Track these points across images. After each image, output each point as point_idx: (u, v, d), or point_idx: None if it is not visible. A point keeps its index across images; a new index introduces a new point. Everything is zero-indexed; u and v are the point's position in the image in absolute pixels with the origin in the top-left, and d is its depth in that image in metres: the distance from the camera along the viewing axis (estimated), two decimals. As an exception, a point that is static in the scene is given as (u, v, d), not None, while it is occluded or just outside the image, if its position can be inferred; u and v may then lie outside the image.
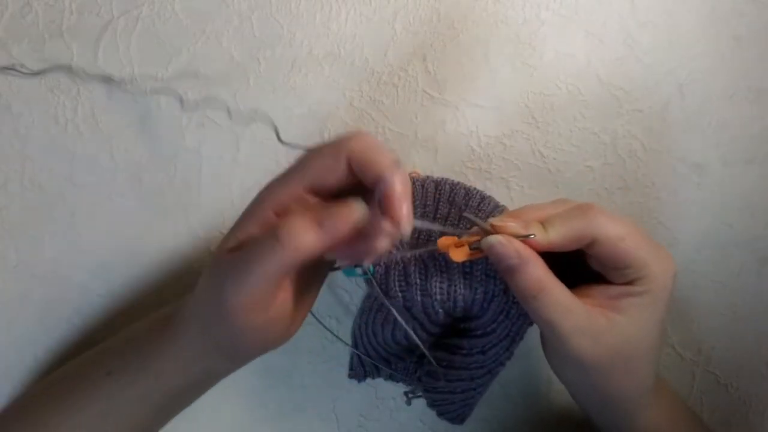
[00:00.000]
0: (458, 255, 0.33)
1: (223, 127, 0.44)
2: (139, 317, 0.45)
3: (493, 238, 0.32)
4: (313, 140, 0.44)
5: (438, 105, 0.45)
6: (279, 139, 0.43)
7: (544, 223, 0.33)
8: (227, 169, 0.44)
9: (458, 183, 0.38)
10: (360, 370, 0.42)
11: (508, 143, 0.45)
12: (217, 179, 0.45)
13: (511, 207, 0.38)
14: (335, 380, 0.47)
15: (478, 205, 0.37)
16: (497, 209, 0.37)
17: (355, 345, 0.41)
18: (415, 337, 0.36)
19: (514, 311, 0.36)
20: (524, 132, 0.45)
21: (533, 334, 0.38)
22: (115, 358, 0.37)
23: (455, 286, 0.35)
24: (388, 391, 0.47)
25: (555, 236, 0.32)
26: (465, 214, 0.36)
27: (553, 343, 0.34)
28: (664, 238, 0.46)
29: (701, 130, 0.46)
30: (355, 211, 0.30)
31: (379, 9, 0.44)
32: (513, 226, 0.32)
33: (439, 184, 0.38)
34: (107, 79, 0.43)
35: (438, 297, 0.36)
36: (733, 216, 0.46)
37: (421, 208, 0.38)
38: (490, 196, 0.38)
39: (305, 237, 0.29)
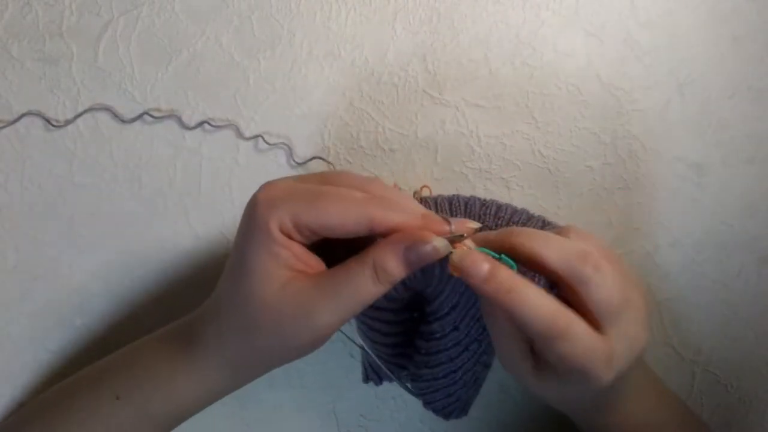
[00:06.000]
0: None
1: (223, 127, 0.44)
2: (139, 317, 0.45)
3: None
4: (312, 140, 0.45)
5: (438, 105, 0.45)
6: (293, 159, 0.43)
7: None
8: (227, 169, 0.44)
9: (471, 197, 0.38)
10: (371, 373, 0.42)
11: (508, 143, 0.45)
12: (217, 179, 0.45)
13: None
14: (335, 380, 0.47)
15: (496, 213, 0.37)
16: (517, 215, 0.37)
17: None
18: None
19: None
20: (524, 132, 0.45)
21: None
22: (123, 380, 0.36)
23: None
24: (388, 391, 0.47)
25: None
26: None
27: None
28: (664, 238, 0.46)
29: (701, 130, 0.46)
30: (443, 250, 0.31)
31: (379, 9, 0.44)
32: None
33: (452, 200, 0.38)
34: (107, 79, 0.43)
35: None
36: (733, 216, 0.46)
37: None
38: (507, 204, 0.38)
39: (399, 272, 0.31)
